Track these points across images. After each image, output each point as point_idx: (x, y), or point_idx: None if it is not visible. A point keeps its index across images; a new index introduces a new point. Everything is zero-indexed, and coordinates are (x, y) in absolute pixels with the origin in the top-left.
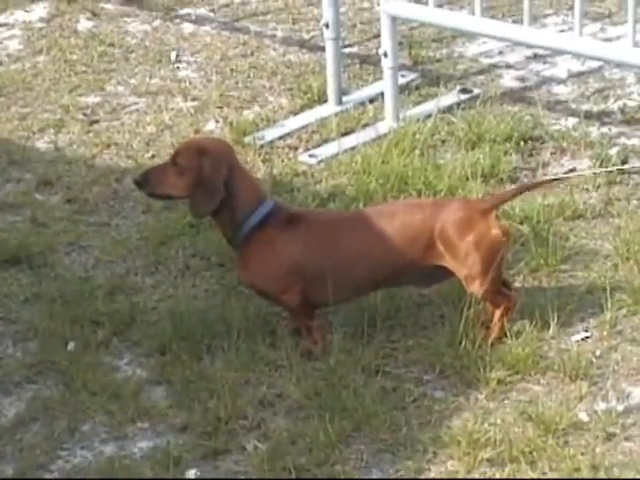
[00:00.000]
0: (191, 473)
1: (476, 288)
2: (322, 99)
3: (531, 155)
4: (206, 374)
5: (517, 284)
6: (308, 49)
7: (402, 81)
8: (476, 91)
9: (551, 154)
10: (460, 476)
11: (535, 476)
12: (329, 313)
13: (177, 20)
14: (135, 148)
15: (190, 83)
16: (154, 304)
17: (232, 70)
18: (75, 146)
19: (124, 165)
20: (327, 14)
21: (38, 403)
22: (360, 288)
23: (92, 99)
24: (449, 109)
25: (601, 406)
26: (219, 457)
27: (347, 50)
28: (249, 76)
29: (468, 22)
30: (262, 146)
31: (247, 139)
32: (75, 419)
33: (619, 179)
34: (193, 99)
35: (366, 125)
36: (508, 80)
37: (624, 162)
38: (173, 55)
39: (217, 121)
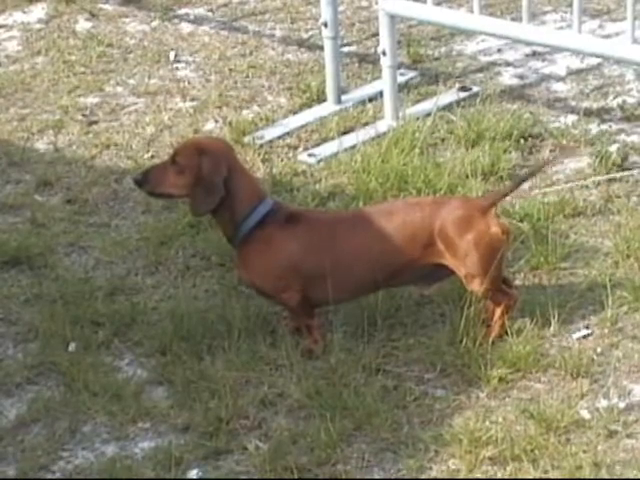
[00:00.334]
0: (193, 473)
1: (476, 286)
2: (321, 98)
3: (531, 153)
4: (207, 374)
5: (517, 282)
6: (307, 48)
7: (401, 80)
8: (475, 89)
9: (551, 151)
10: (462, 475)
11: (537, 474)
12: (329, 312)
13: (175, 20)
14: (134, 148)
15: (189, 83)
16: (154, 304)
17: (231, 70)
18: (74, 147)
19: (124, 166)
20: (325, 13)
21: (39, 404)
22: (360, 287)
23: (91, 100)
24: (448, 107)
25: (603, 403)
26: (220, 457)
27: (346, 49)
28: (248, 76)
29: (467, 20)
30: (261, 145)
31: (246, 139)
32: (76, 420)
33: (619, 176)
34: (192, 99)
35: (365, 124)
36: (507, 78)
37: (624, 159)
38: (172, 55)
39: (216, 121)
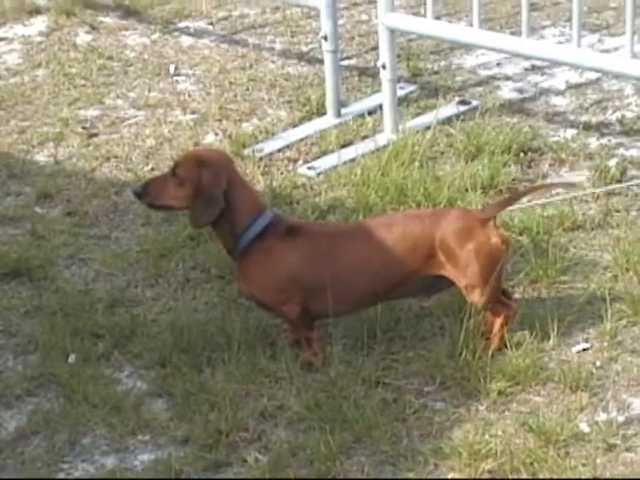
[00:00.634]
0: None
1: (477, 297)
2: (321, 111)
3: (530, 166)
4: (207, 386)
5: (517, 295)
6: (307, 62)
7: (401, 93)
8: (474, 103)
9: (550, 165)
10: None
11: None
12: (329, 324)
13: (176, 33)
14: (134, 161)
15: (189, 96)
16: (154, 317)
17: (231, 83)
18: (75, 159)
19: (124, 178)
20: (325, 27)
21: (39, 416)
22: (360, 300)
23: (91, 112)
24: (448, 121)
25: (602, 417)
26: (220, 469)
27: (346, 62)
28: (248, 89)
29: (466, 34)
30: (261, 158)
31: (246, 151)
32: (76, 432)
33: (618, 190)
34: (192, 112)
35: (365, 137)
36: (506, 92)
37: (623, 173)
38: (172, 68)
39: (216, 134)
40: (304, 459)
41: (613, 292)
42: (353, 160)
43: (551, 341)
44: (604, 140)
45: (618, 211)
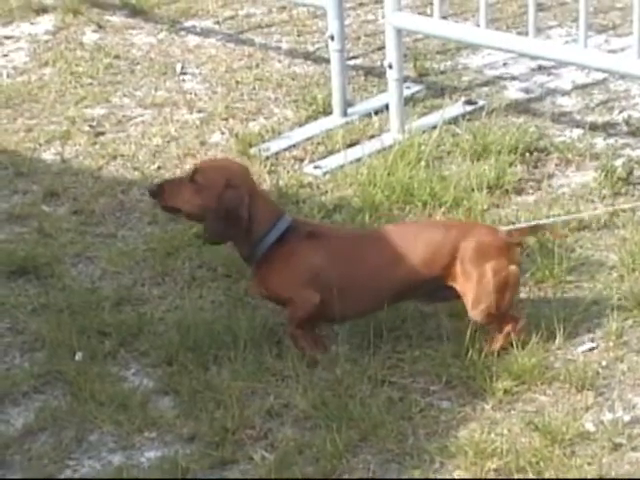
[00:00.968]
0: None
1: (478, 315)
2: (327, 111)
3: (536, 166)
4: (213, 384)
5: (523, 295)
6: (313, 61)
7: (407, 93)
8: (481, 103)
9: (556, 165)
10: None
11: None
12: (335, 324)
13: (182, 32)
14: (141, 160)
15: (195, 95)
16: (161, 315)
17: (237, 82)
18: (81, 158)
19: (130, 177)
20: (332, 26)
21: (46, 413)
22: (373, 304)
23: (98, 111)
24: (454, 121)
25: (607, 416)
26: (226, 467)
27: (352, 62)
28: (254, 88)
29: (473, 34)
30: (268, 157)
31: (253, 151)
32: (83, 429)
33: (624, 190)
34: (199, 111)
35: (371, 137)
36: (513, 92)
37: (629, 173)
38: (178, 67)
39: (223, 133)
40: (310, 457)
41: (619, 292)
42: (359, 159)
43: (557, 341)
44: (610, 140)
45: (624, 211)
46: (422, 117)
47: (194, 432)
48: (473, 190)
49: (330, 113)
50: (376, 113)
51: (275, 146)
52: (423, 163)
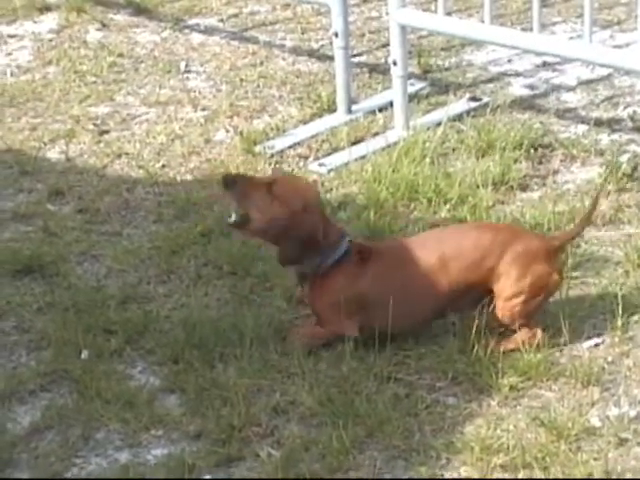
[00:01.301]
0: None
1: (507, 316)
2: (332, 108)
3: (541, 163)
4: (219, 382)
5: None
6: (317, 58)
7: (411, 90)
8: (485, 99)
9: (561, 161)
10: None
11: None
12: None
13: (186, 30)
14: (146, 158)
15: (200, 93)
16: (167, 313)
17: (242, 80)
18: (86, 156)
19: (135, 175)
20: (336, 23)
21: (52, 411)
22: (425, 314)
23: (102, 109)
24: (459, 117)
25: (613, 412)
26: (233, 464)
27: (356, 59)
28: (259, 86)
29: (477, 30)
30: (272, 155)
31: (257, 148)
32: (89, 427)
33: (629, 186)
34: (203, 109)
35: (376, 134)
36: (517, 88)
37: (634, 169)
38: (182, 65)
39: (227, 131)
40: (317, 454)
41: (625, 288)
42: (364, 157)
43: (563, 337)
44: (615, 136)
45: (629, 207)
46: (426, 114)
47: (200, 430)
48: (478, 187)
49: (334, 110)
50: (380, 110)
51: (280, 144)
52: (428, 160)
